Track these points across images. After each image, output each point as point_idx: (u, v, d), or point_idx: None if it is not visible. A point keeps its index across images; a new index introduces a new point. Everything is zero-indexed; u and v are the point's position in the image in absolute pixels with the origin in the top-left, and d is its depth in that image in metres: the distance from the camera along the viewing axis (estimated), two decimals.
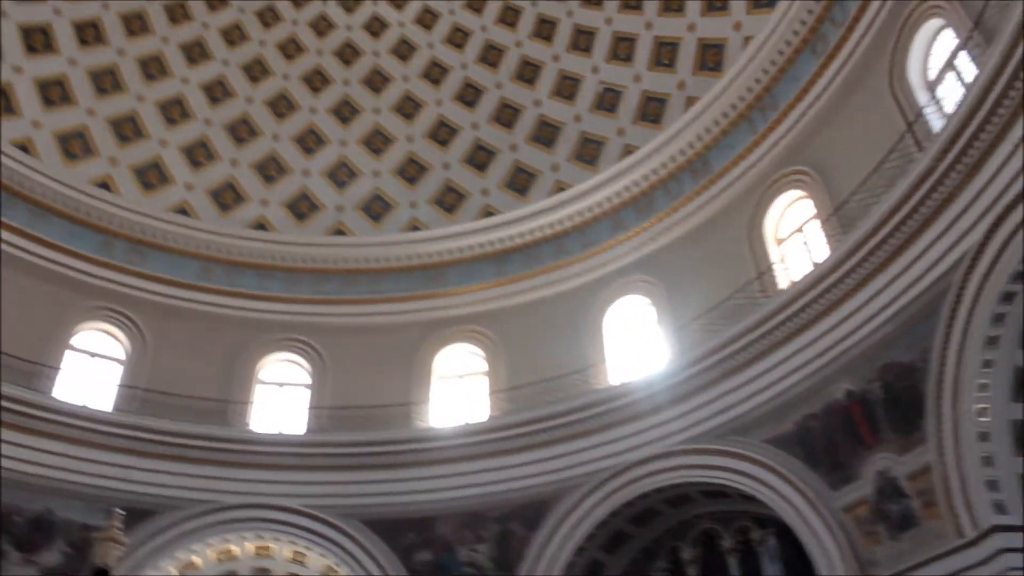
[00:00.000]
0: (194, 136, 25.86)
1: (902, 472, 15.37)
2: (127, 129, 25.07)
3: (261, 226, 26.04)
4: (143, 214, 24.71)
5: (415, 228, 26.30)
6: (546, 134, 25.67)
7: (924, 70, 17.39)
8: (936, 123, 16.19)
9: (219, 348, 23.45)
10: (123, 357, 22.92)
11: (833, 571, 16.01)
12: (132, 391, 21.87)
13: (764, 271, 19.88)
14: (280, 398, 23.66)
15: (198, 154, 25.80)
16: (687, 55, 23.13)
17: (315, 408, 22.96)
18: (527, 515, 20.47)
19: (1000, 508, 13.82)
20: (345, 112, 26.91)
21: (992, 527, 13.61)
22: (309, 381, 23.89)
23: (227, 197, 25.96)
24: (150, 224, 24.71)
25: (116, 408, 21.46)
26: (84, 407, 20.76)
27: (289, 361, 24.29)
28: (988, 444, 14.15)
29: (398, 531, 20.74)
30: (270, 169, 26.40)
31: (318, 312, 24.90)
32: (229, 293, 24.77)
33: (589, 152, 25.01)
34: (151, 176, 25.19)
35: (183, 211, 25.39)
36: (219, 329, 23.89)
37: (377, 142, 26.82)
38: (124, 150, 24.96)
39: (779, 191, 20.51)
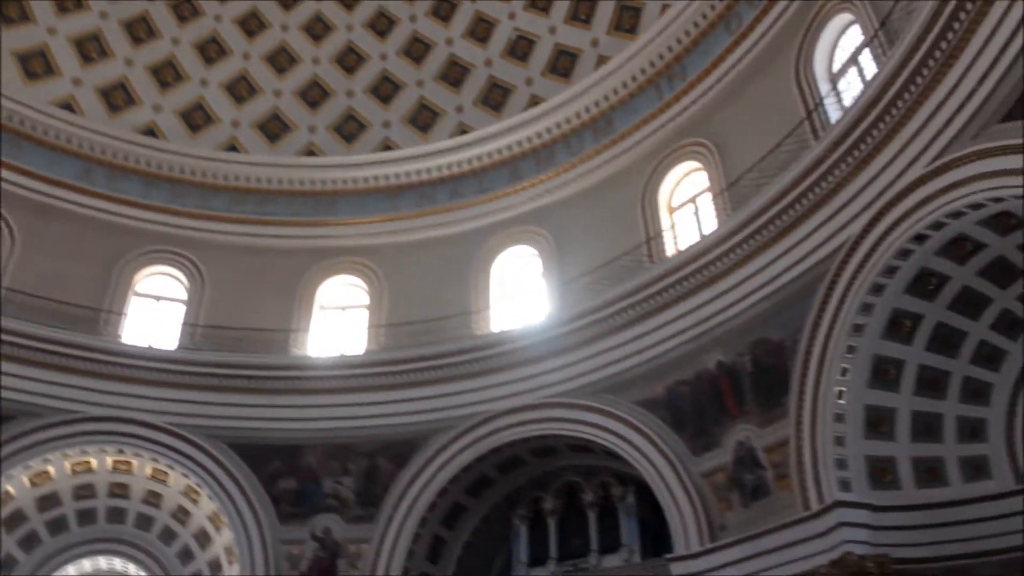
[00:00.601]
0: (87, 28, 24.37)
1: (761, 444, 16.14)
2: (12, 11, 23.40)
3: (151, 132, 24.91)
4: (24, 104, 23.28)
5: (311, 153, 25.72)
6: (455, 74, 25.35)
7: (829, 62, 17.87)
8: (834, 114, 16.71)
9: (95, 254, 22.47)
10: None
11: (686, 532, 16.76)
12: None
13: (653, 237, 20.25)
14: (155, 312, 22.98)
15: (89, 48, 24.40)
16: (604, 13, 23.10)
17: (189, 325, 22.39)
18: (395, 452, 20.63)
19: (845, 485, 14.68)
20: (252, 25, 25.80)
21: (835, 502, 14.45)
22: (186, 297, 23.24)
23: (117, 98, 24.71)
24: (30, 116, 23.32)
25: None
26: None
27: (167, 275, 23.54)
28: (842, 425, 14.97)
29: (264, 457, 20.59)
30: (166, 74, 25.22)
31: (203, 228, 24.11)
32: (110, 198, 23.68)
33: (495, 98, 24.86)
34: (35, 65, 23.75)
35: (68, 107, 24.06)
36: (97, 235, 22.90)
37: (282, 60, 25.95)
38: (8, 33, 23.34)
39: (677, 160, 20.86)
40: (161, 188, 24.45)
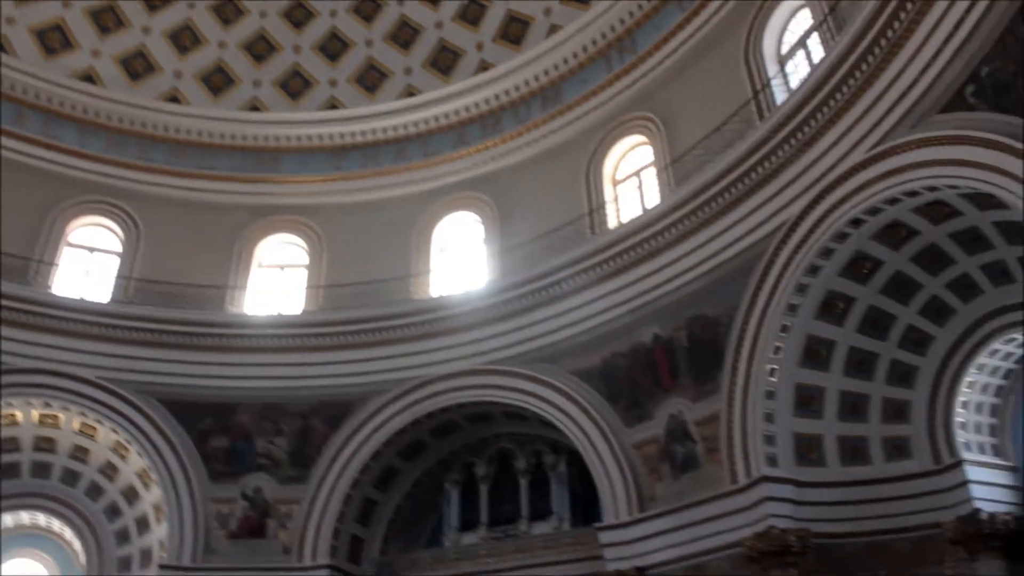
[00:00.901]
0: None
1: (692, 417, 16.47)
2: None
3: (89, 78, 24.11)
4: None
5: (255, 108, 25.17)
6: (404, 35, 24.93)
7: (779, 44, 18.03)
8: (781, 96, 16.90)
9: (27, 203, 21.68)
10: None
11: (615, 502, 17.06)
12: None
13: (596, 208, 20.34)
14: (88, 263, 22.47)
15: None
16: None
17: (123, 278, 21.94)
18: (330, 414, 20.59)
19: (772, 461, 15.07)
20: None
21: (762, 477, 14.85)
22: (120, 249, 22.73)
23: (53, 40, 23.73)
24: None
25: None
26: None
27: (101, 226, 23.00)
28: (772, 402, 15.33)
29: (196, 414, 20.36)
30: (106, 19, 24.29)
31: (140, 179, 23.50)
32: (44, 144, 22.85)
33: (444, 61, 24.55)
34: None
35: (0, 47, 23.20)
36: (29, 183, 22.06)
37: (228, 11, 25.09)
38: None
39: (623, 133, 20.93)
40: (98, 137, 23.74)
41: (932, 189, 13.20)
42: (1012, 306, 14.28)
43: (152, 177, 23.74)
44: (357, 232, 23.19)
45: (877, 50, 13.79)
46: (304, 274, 23.20)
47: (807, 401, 15.44)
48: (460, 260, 22.54)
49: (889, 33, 13.53)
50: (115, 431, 20.18)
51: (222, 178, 24.18)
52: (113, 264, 22.48)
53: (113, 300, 21.39)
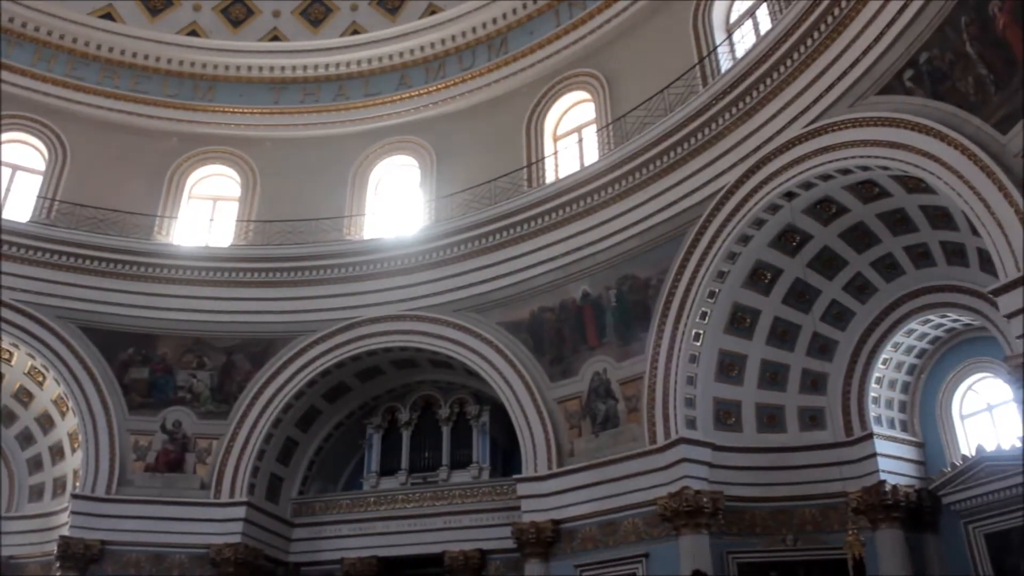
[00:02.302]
0: None
1: (616, 376, 16.77)
2: None
3: None
4: None
5: (194, 33, 24.34)
6: None
7: (728, 12, 18.13)
8: (726, 64, 16.99)
9: None
10: None
11: (535, 455, 17.32)
12: None
13: (535, 162, 20.31)
14: (9, 181, 21.72)
15: None
16: None
17: (45, 198, 21.26)
18: (254, 350, 20.43)
19: (691, 424, 15.46)
20: None
21: (680, 439, 15.19)
22: (43, 168, 21.99)
23: None
24: None
25: None
26: None
27: (25, 143, 22.18)
28: (695, 366, 15.71)
29: (117, 344, 19.99)
30: None
31: (68, 97, 22.58)
32: None
33: (393, 0, 24.05)
34: None
35: None
36: None
37: None
38: None
39: (567, 89, 20.89)
40: (24, 49, 22.73)
41: (864, 168, 13.49)
42: (931, 288, 14.79)
43: (81, 96, 22.88)
44: (292, 168, 22.80)
45: (823, 26, 13.94)
46: (235, 207, 22.75)
47: (729, 367, 15.85)
48: (395, 204, 22.33)
49: (835, 11, 13.69)
50: (32, 356, 19.70)
51: (155, 103, 23.40)
52: (35, 184, 21.77)
53: (32, 221, 20.71)
